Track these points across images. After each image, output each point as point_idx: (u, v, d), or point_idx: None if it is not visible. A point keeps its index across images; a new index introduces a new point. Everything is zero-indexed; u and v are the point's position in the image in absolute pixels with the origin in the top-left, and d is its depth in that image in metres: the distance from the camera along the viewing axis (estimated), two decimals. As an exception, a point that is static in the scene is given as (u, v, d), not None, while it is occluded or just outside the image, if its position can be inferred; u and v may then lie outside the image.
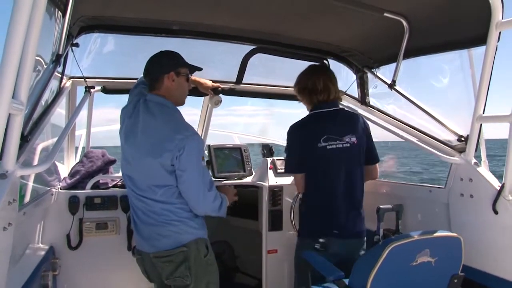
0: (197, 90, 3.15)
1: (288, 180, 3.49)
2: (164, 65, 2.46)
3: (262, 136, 6.19)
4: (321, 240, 2.74)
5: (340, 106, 3.09)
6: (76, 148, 3.87)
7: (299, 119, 3.00)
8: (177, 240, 2.35)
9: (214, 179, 3.43)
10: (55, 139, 2.71)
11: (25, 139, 1.88)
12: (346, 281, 2.26)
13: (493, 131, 2.92)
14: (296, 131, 2.94)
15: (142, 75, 2.63)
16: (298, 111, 3.71)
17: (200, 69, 2.60)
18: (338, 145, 2.83)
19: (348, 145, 2.85)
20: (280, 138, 5.27)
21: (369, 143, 2.99)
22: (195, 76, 2.93)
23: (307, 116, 3.00)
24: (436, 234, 2.22)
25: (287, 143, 2.98)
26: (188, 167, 2.32)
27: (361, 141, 2.91)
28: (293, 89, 3.81)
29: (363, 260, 2.24)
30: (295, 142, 2.93)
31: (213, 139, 4.58)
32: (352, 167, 2.87)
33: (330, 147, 2.82)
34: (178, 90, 2.48)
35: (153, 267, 2.45)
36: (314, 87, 2.94)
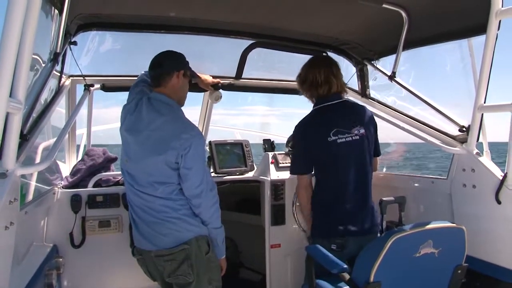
0: (197, 86, 3.14)
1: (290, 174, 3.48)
2: (176, 62, 2.48)
3: (263, 131, 6.17)
4: (337, 240, 2.66)
5: (344, 98, 2.95)
6: (78, 147, 3.87)
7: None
8: (178, 238, 2.34)
9: (215, 175, 3.44)
10: (55, 137, 2.71)
11: (25, 138, 1.88)
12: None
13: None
14: (303, 128, 2.84)
15: (141, 73, 2.63)
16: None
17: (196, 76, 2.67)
18: (347, 138, 2.72)
19: (358, 137, 2.75)
20: (281, 133, 5.25)
21: (376, 135, 2.90)
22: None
23: (312, 111, 2.89)
24: (439, 225, 2.20)
25: (293, 142, 2.90)
26: (194, 166, 2.34)
27: (368, 132, 2.80)
28: (293, 82, 3.83)
29: (366, 252, 2.23)
30: (303, 140, 2.81)
31: (214, 135, 4.59)
32: (362, 160, 2.77)
33: (340, 140, 2.71)
34: (181, 89, 2.50)
35: (154, 266, 2.44)
36: (315, 79, 2.83)
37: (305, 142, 2.79)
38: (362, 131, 2.77)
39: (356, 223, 2.71)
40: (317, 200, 2.83)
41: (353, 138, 2.74)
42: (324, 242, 2.65)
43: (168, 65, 2.46)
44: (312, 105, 2.95)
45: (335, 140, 2.71)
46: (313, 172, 2.86)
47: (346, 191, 2.73)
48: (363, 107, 2.97)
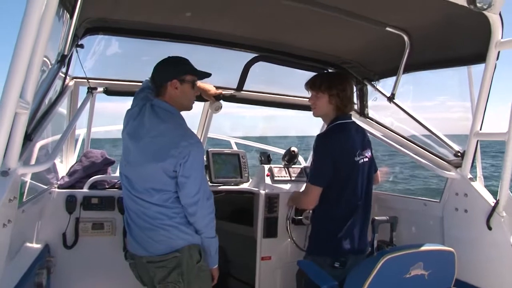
0: (198, 96, 3.17)
1: (285, 187, 3.50)
2: (167, 73, 2.45)
3: (260, 143, 6.19)
4: (342, 258, 2.66)
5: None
6: (75, 146, 3.88)
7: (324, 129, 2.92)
8: (170, 246, 2.35)
9: (211, 184, 3.45)
10: (54, 138, 2.72)
11: (29, 138, 1.90)
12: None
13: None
14: (331, 141, 2.76)
15: (146, 79, 2.65)
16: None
17: (209, 75, 2.58)
18: (361, 160, 2.79)
19: (367, 159, 2.83)
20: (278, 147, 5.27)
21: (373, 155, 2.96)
22: (200, 82, 2.94)
23: (334, 126, 2.83)
24: (430, 248, 2.24)
25: (319, 153, 2.78)
26: (192, 174, 2.33)
27: (372, 154, 2.90)
28: (293, 98, 3.87)
29: (357, 270, 2.26)
30: (331, 153, 2.71)
31: (210, 145, 4.61)
32: (369, 182, 2.86)
33: (360, 161, 2.78)
34: (182, 97, 2.48)
35: (145, 271, 2.44)
36: (351, 95, 2.88)
37: (334, 155, 2.71)
38: (369, 153, 2.87)
39: (358, 242, 2.75)
40: (327, 217, 2.79)
41: (364, 160, 2.81)
42: (326, 259, 2.67)
43: (159, 77, 2.47)
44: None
45: (358, 161, 2.77)
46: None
47: (356, 211, 2.77)
48: (365, 130, 3.04)
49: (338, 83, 2.85)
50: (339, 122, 2.83)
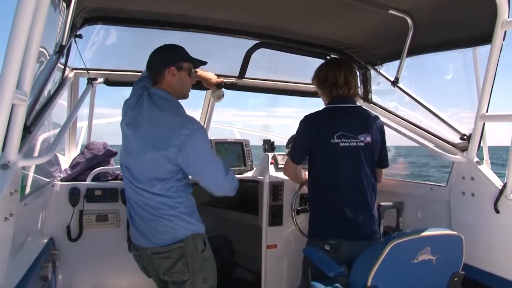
0: (200, 84, 3.14)
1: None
2: (164, 60, 2.44)
3: (264, 132, 6.17)
4: (331, 241, 2.65)
5: (358, 104, 2.97)
6: (77, 139, 3.87)
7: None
8: (174, 236, 2.34)
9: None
10: (56, 130, 2.71)
11: (28, 130, 1.88)
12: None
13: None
14: (309, 122, 2.83)
15: (145, 69, 2.62)
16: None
17: (204, 63, 2.57)
18: (351, 143, 2.73)
19: (362, 144, 2.75)
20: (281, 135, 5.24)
21: (383, 146, 2.91)
22: (201, 71, 2.92)
23: (324, 109, 2.90)
24: (437, 232, 2.22)
25: (297, 131, 2.89)
26: (200, 160, 2.34)
27: (375, 141, 2.81)
28: (295, 84, 3.84)
29: (364, 256, 2.24)
30: (306, 132, 2.82)
31: (214, 134, 4.59)
32: (364, 167, 2.76)
33: (342, 144, 2.71)
34: (179, 84, 2.46)
35: (150, 263, 2.45)
36: (335, 80, 2.85)
37: (308, 134, 2.79)
38: (369, 139, 2.78)
39: (352, 228, 2.69)
40: (315, 200, 2.85)
41: (358, 144, 2.74)
42: (319, 242, 2.68)
43: (156, 65, 2.45)
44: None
45: (337, 143, 2.71)
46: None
47: (345, 195, 2.72)
48: (375, 117, 2.95)
49: (318, 72, 2.98)
50: (328, 107, 2.89)
